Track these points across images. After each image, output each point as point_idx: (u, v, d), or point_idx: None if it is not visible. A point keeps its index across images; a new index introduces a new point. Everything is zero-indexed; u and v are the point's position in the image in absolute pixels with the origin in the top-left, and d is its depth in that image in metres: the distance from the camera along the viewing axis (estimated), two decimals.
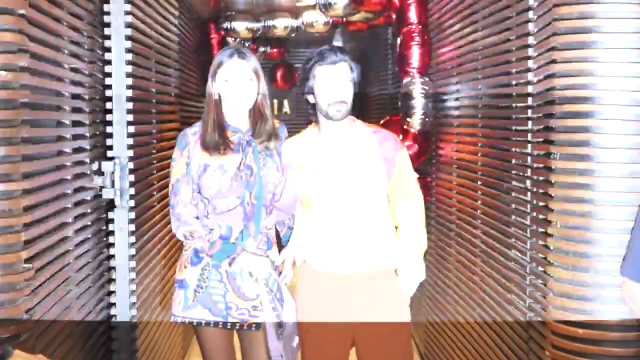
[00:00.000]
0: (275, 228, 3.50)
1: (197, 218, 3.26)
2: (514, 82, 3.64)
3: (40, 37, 2.71)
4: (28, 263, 2.56)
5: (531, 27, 3.39)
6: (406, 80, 5.61)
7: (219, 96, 3.28)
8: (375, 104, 8.93)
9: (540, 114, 3.27)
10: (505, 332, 3.78)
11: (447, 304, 5.07)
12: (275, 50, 9.90)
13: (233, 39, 8.32)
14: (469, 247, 4.51)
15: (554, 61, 3.09)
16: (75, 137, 3.22)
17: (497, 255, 3.93)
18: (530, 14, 3.39)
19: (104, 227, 3.61)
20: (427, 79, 5.52)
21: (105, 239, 3.60)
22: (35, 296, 2.62)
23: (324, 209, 3.34)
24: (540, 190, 3.24)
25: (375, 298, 3.35)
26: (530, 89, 3.40)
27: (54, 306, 2.85)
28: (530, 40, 3.39)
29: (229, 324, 3.32)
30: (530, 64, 3.40)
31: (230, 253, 3.23)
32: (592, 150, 2.92)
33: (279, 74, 10.34)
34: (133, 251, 3.61)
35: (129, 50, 3.56)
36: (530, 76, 3.40)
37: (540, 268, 3.25)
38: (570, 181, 2.98)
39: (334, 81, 3.24)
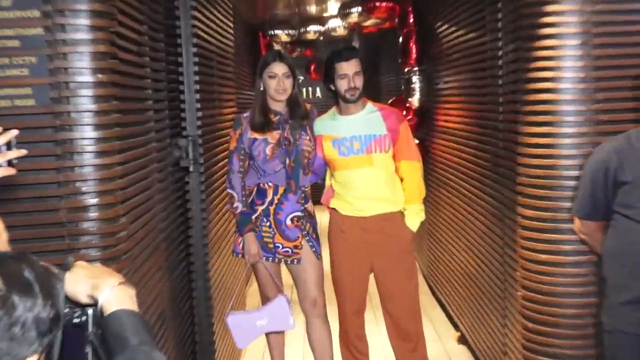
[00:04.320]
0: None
1: (243, 184, 3.28)
2: (487, 69, 3.58)
3: (127, 47, 2.69)
4: (124, 217, 2.57)
5: (500, 24, 3.31)
6: (407, 69, 5.55)
7: (264, 88, 3.29)
8: (387, 88, 8.87)
9: (508, 92, 3.21)
10: (487, 258, 3.76)
11: (442, 238, 5.05)
12: (308, 50, 9.82)
13: (276, 42, 8.27)
14: (457, 194, 4.48)
15: (518, 50, 3.02)
16: (157, 121, 3.21)
17: (478, 200, 3.90)
18: (499, 15, 3.31)
19: (181, 188, 3.62)
20: (422, 68, 5.44)
21: (183, 196, 3.61)
22: (131, 241, 2.62)
23: (345, 169, 3.33)
24: (510, 150, 3.19)
25: (386, 234, 3.35)
26: (499, 72, 3.34)
27: (145, 249, 2.86)
28: (500, 34, 3.32)
29: (276, 259, 3.33)
30: (500, 53, 3.33)
31: (247, 224, 3.28)
32: (549, 118, 2.85)
33: (312, 68, 10.22)
34: (204, 205, 3.61)
35: (195, 54, 3.53)
36: (499, 62, 3.34)
37: (511, 209, 3.21)
38: (533, 142, 2.92)
39: (348, 73, 3.23)
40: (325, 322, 3.43)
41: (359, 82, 3.28)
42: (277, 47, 8.47)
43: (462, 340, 4.53)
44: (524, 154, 2.98)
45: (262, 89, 3.31)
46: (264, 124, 3.27)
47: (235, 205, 3.30)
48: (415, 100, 5.52)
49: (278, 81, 3.27)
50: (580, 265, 2.86)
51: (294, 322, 3.32)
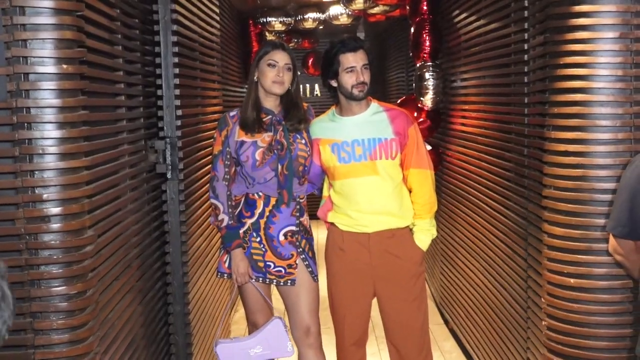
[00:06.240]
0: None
1: (229, 194, 3.30)
2: (512, 64, 3.60)
3: (96, 34, 2.71)
4: (91, 229, 2.58)
5: (527, 12, 3.33)
6: (419, 64, 5.57)
7: (258, 79, 3.30)
8: (394, 86, 8.91)
9: (535, 91, 3.22)
10: (508, 282, 3.77)
11: (457, 258, 5.06)
12: (305, 41, 9.86)
13: (268, 32, 8.31)
14: (474, 208, 4.49)
15: (546, 43, 3.04)
16: (131, 120, 3.23)
17: (499, 215, 3.91)
18: (526, 2, 3.33)
19: (157, 197, 3.64)
20: (437, 63, 5.47)
21: (159, 207, 3.63)
22: (98, 257, 2.63)
23: (346, 178, 3.34)
24: (536, 158, 3.21)
25: (392, 253, 3.35)
26: (525, 68, 3.36)
27: (115, 266, 2.87)
28: (526, 25, 3.34)
29: (267, 280, 3.34)
30: (526, 46, 3.35)
31: (235, 239, 3.28)
32: (581, 122, 2.86)
33: (310, 62, 10.27)
34: (183, 217, 3.63)
35: (175, 44, 3.56)
36: (525, 57, 3.36)
37: (536, 226, 3.22)
38: (562, 149, 2.93)
39: (355, 65, 3.26)
40: (319, 353, 3.42)
41: (367, 76, 3.30)
42: (270, 37, 8.51)
43: None
44: (551, 162, 2.99)
45: (256, 80, 3.33)
46: (254, 123, 3.27)
47: (220, 218, 3.31)
48: (427, 100, 5.54)
49: (278, 71, 3.28)
50: (615, 292, 2.87)
51: (293, 348, 3.32)
